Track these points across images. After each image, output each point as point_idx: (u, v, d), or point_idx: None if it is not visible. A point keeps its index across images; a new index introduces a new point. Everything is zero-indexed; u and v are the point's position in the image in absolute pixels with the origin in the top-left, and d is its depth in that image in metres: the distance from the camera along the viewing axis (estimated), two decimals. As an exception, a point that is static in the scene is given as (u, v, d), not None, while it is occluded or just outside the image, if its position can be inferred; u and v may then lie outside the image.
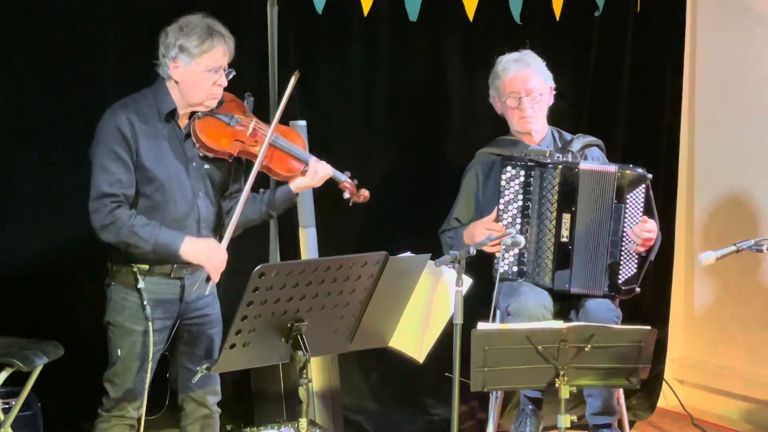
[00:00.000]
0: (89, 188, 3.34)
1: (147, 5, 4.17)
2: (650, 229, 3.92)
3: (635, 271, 3.97)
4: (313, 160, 3.57)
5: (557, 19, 5.01)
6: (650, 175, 3.94)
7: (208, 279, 3.38)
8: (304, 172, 3.57)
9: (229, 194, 3.62)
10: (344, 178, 3.65)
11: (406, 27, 4.69)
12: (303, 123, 4.31)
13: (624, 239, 3.92)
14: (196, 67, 3.38)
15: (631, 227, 3.92)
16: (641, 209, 3.93)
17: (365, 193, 3.68)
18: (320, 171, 3.56)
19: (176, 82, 3.42)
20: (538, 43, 4.72)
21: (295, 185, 3.58)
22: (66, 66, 4.09)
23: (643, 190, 3.93)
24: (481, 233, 3.92)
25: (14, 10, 3.98)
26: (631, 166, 3.94)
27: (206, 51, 3.38)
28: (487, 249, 3.85)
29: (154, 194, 3.39)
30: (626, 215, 3.91)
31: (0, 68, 3.98)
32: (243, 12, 4.37)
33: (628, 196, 3.91)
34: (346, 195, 3.67)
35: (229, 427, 4.17)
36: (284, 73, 4.46)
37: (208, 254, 3.36)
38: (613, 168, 3.93)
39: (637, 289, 4.00)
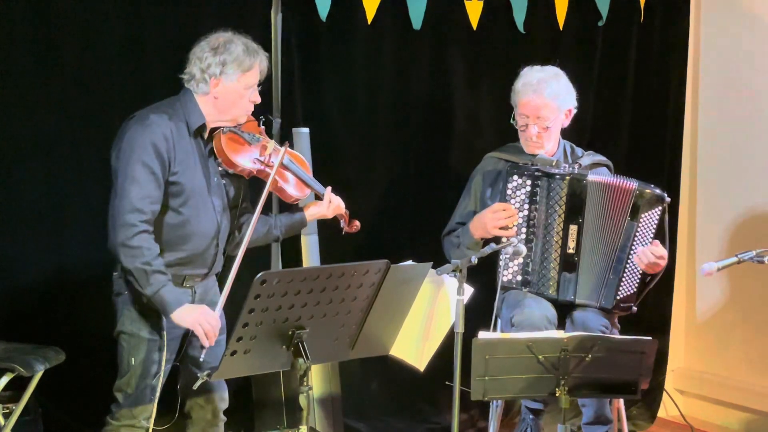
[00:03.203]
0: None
1: (153, 15, 4.17)
2: (660, 255, 3.87)
3: (635, 290, 3.93)
4: (329, 191, 3.73)
5: (561, 28, 5.00)
6: (668, 199, 3.90)
7: (202, 347, 3.34)
8: (317, 201, 3.73)
9: (238, 210, 3.63)
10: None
11: (409, 35, 4.69)
12: (306, 130, 4.31)
13: (630, 257, 3.90)
14: (237, 85, 3.43)
15: (640, 246, 3.89)
16: (653, 231, 3.89)
17: (357, 224, 3.83)
18: (334, 202, 3.73)
19: (215, 98, 3.43)
20: (541, 52, 4.73)
21: (310, 213, 3.76)
22: (71, 75, 4.08)
23: (659, 212, 3.90)
24: (491, 219, 3.91)
25: (20, 18, 3.98)
26: (651, 185, 3.91)
27: (249, 69, 3.43)
28: (500, 233, 3.87)
29: (181, 208, 3.38)
30: (637, 234, 3.88)
31: (4, 76, 3.98)
32: (247, 19, 4.36)
33: (643, 215, 3.88)
34: (342, 224, 3.81)
35: (229, 434, 4.17)
36: (288, 79, 4.47)
37: (199, 320, 3.30)
38: (633, 184, 3.88)
39: (634, 309, 3.97)
